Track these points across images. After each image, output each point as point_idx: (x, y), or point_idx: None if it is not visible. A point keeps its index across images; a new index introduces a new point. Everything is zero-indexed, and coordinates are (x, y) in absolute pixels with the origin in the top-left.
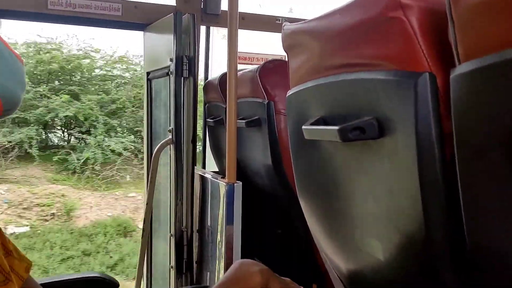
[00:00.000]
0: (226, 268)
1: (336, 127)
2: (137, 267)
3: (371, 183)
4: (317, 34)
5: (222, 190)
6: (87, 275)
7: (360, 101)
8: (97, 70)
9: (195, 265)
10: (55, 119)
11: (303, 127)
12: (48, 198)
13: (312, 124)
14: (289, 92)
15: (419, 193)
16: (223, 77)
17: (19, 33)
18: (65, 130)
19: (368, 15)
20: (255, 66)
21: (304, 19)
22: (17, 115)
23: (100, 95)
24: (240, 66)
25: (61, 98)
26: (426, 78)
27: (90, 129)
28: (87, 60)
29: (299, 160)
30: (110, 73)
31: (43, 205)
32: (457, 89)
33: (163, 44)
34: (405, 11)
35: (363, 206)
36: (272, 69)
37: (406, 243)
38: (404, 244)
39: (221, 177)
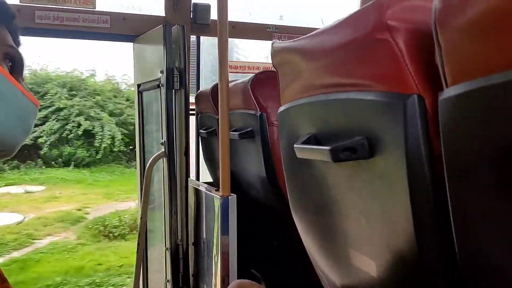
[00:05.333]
0: (222, 281)
1: (327, 147)
2: (133, 282)
3: (363, 201)
4: (306, 53)
5: (217, 203)
6: None
7: (351, 120)
8: None
9: (191, 278)
10: None
11: (295, 145)
12: None
13: (303, 142)
14: (280, 109)
15: (410, 212)
16: (214, 88)
17: None
18: None
19: (356, 36)
20: (247, 78)
21: (294, 26)
22: None
23: None
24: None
25: None
26: (414, 100)
27: None
28: None
29: (292, 177)
30: None
31: None
32: (445, 111)
33: (153, 56)
34: (392, 33)
35: (356, 223)
36: (264, 81)
37: (399, 260)
38: (397, 261)
39: (215, 190)
